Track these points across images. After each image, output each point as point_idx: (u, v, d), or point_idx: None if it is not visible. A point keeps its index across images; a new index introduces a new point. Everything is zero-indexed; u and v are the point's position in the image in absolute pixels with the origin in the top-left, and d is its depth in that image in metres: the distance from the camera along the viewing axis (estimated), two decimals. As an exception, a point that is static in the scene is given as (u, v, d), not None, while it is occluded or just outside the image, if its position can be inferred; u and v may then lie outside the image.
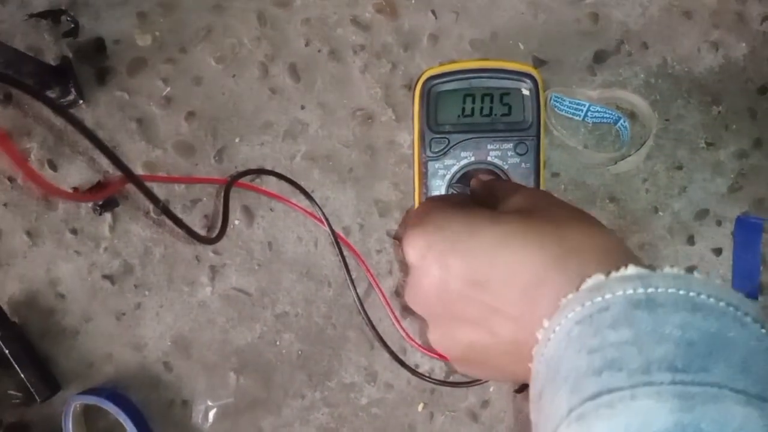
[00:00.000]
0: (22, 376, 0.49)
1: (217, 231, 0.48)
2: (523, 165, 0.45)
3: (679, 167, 0.48)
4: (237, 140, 0.50)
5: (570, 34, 0.49)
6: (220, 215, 0.48)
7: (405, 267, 0.50)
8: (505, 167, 0.45)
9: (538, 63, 0.49)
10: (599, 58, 0.49)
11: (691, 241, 0.48)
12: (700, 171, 0.48)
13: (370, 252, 0.50)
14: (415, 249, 0.32)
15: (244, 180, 0.50)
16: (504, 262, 0.28)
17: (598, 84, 0.48)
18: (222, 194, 0.48)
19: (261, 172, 0.49)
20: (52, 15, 0.51)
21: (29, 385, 0.49)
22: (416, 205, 0.47)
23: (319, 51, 0.51)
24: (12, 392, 0.50)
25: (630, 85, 0.48)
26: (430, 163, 0.46)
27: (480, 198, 0.40)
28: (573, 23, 0.49)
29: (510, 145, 0.46)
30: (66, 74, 0.50)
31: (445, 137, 0.46)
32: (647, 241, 0.48)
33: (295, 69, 0.51)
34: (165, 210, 0.38)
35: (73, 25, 0.50)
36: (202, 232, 0.50)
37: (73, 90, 0.50)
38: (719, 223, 0.48)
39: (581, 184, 0.48)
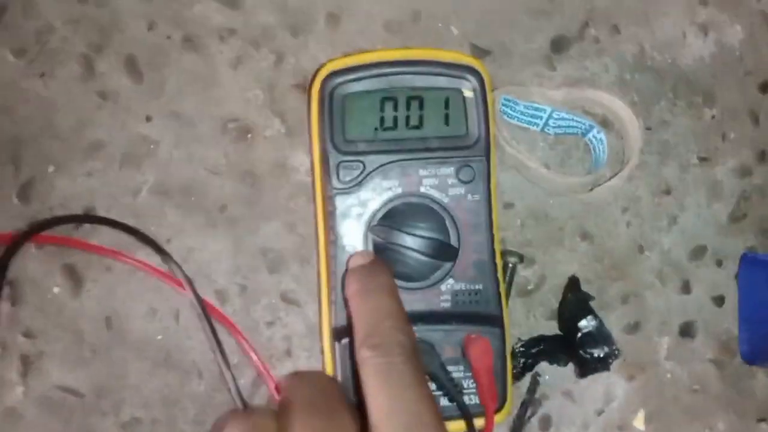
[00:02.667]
0: None
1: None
2: (470, 197, 0.32)
3: (666, 191, 0.37)
4: (51, 169, 0.35)
5: (518, 13, 0.37)
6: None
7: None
8: (445, 200, 0.32)
9: (479, 53, 0.36)
10: (558, 45, 0.37)
11: (686, 288, 0.37)
12: (693, 195, 0.37)
13: (258, 325, 0.35)
14: None
15: (60, 230, 0.34)
16: None
17: (560, 82, 0.36)
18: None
19: (78, 219, 0.33)
20: None
21: None
22: (322, 264, 0.32)
23: (168, 37, 0.36)
24: None
25: (599, 83, 0.36)
26: (338, 198, 0.32)
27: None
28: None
29: (450, 170, 0.32)
30: None
31: (358, 160, 0.32)
32: (632, 291, 0.36)
33: (134, 63, 0.35)
34: None
35: None
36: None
37: None
38: (720, 263, 0.37)
39: (543, 217, 0.36)
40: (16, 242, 0.29)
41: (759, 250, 0.36)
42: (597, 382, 0.37)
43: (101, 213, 0.35)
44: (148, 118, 0.36)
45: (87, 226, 0.35)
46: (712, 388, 0.38)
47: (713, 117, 0.37)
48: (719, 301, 0.37)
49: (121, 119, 0.36)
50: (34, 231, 0.30)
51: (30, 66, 0.35)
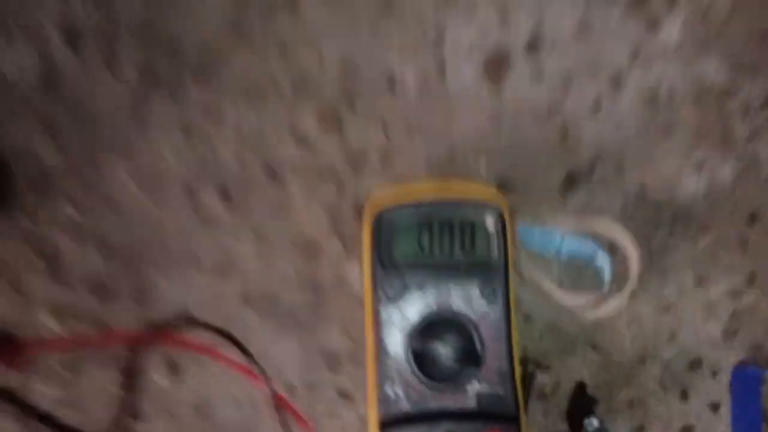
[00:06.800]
0: None
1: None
2: (492, 313, 0.39)
3: (666, 308, 0.42)
4: (160, 278, 0.43)
5: (537, 153, 0.44)
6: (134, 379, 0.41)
7: None
8: (474, 317, 0.39)
9: (502, 185, 0.43)
10: (571, 181, 0.44)
11: (684, 396, 0.42)
12: (691, 313, 0.42)
13: (319, 417, 0.42)
14: None
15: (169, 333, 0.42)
16: None
17: (571, 211, 0.43)
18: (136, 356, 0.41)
19: (185, 322, 0.41)
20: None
21: None
22: (370, 364, 0.39)
23: (253, 170, 0.44)
24: None
25: (607, 213, 0.43)
26: (384, 309, 0.39)
27: None
28: (540, 141, 0.44)
29: (476, 289, 0.39)
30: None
31: (400, 277, 0.39)
32: (636, 397, 0.42)
33: (226, 191, 0.44)
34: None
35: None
36: (117, 390, 0.42)
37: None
38: (714, 375, 0.42)
39: (558, 330, 0.42)
40: (139, 342, 0.37)
41: (749, 363, 0.41)
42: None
43: (196, 315, 0.43)
44: (236, 237, 0.44)
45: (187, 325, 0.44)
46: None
47: (708, 245, 0.43)
48: (714, 407, 0.42)
49: (215, 237, 0.44)
50: (153, 336, 0.39)
51: (146, 192, 0.44)
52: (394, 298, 0.40)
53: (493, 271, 0.40)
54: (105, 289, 0.42)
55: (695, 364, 0.43)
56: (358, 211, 0.44)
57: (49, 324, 0.43)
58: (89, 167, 0.43)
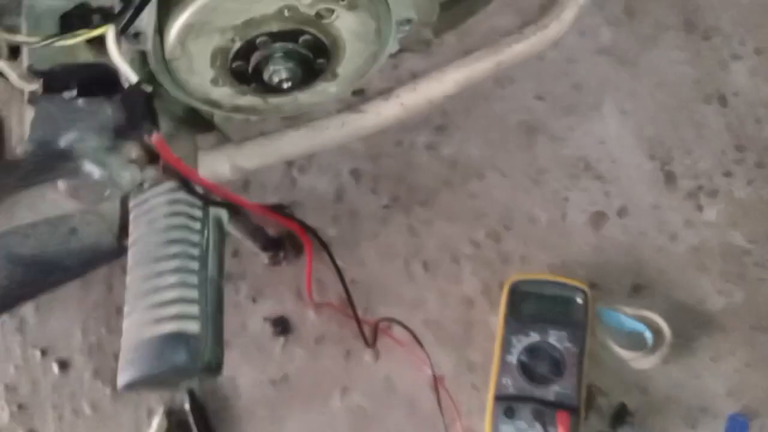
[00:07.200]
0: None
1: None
2: (572, 349, 0.65)
3: (687, 371, 0.66)
4: (379, 303, 0.74)
5: (617, 271, 0.72)
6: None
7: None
8: (561, 348, 0.65)
9: (593, 285, 0.71)
10: (635, 289, 0.71)
11: (694, 426, 0.65)
12: (705, 377, 0.66)
13: (459, 397, 0.69)
14: None
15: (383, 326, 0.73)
16: None
17: (633, 304, 0.69)
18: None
19: (394, 320, 0.73)
20: (279, 207, 0.80)
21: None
22: (495, 366, 0.67)
23: (444, 255, 0.75)
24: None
25: (655, 309, 0.68)
26: (508, 337, 0.67)
27: None
28: (621, 264, 0.73)
29: (565, 333, 0.66)
30: (279, 244, 0.77)
31: (521, 321, 0.68)
32: (665, 425, 0.65)
33: (426, 265, 0.76)
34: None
35: (288, 215, 0.79)
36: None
37: (281, 254, 0.77)
38: (715, 418, 0.65)
39: (616, 371, 0.67)
40: (376, 324, 0.69)
41: (740, 414, 0.63)
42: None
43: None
44: (426, 295, 0.75)
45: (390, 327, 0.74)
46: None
47: (722, 339, 0.67)
48: (716, 438, 0.64)
49: (419, 289, 0.75)
50: (380, 321, 0.70)
51: (385, 263, 0.77)
52: (516, 333, 0.68)
53: (578, 326, 0.67)
54: (350, 301, 0.75)
55: (703, 410, 0.66)
56: (501, 286, 0.73)
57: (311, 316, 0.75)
58: (351, 239, 0.78)
